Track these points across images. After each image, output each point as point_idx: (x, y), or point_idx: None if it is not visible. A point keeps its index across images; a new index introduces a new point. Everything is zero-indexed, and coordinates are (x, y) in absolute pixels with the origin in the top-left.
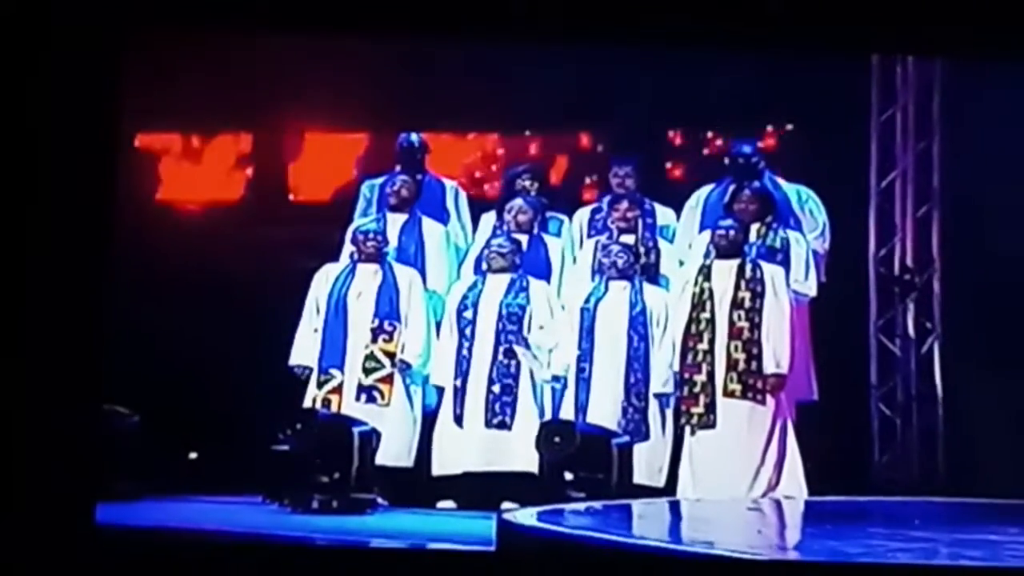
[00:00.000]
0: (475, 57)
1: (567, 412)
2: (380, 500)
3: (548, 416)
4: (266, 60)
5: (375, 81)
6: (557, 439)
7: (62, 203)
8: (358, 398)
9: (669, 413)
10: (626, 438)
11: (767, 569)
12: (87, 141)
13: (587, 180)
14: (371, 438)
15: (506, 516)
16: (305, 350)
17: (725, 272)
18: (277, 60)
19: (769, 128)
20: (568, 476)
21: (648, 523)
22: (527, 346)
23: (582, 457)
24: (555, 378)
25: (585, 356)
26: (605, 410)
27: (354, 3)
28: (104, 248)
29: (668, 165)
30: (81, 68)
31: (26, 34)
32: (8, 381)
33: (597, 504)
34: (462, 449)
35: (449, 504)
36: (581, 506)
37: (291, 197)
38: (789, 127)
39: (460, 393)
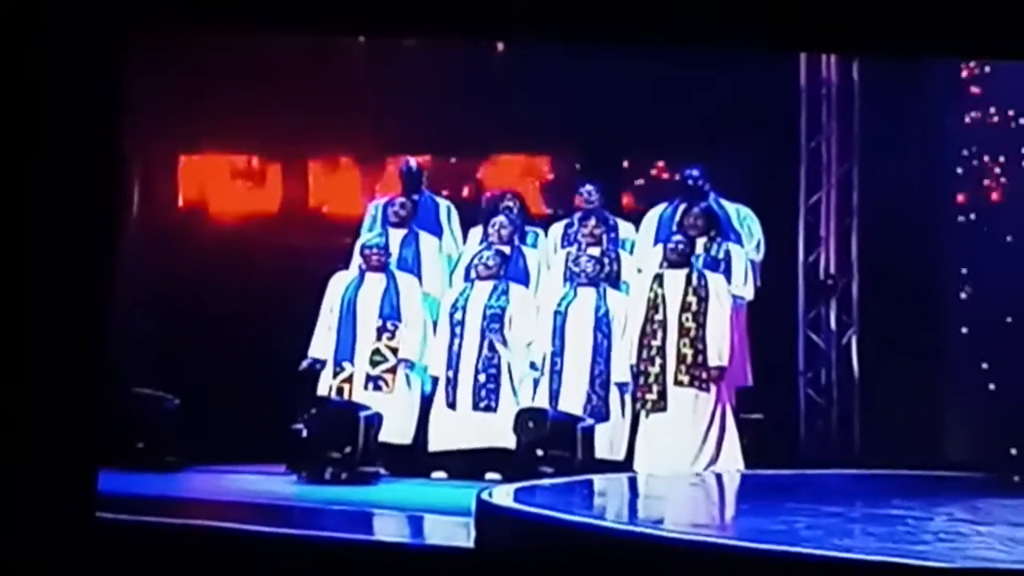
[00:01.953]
0: (463, 88)
1: (543, 398)
2: (383, 472)
3: (527, 401)
4: (266, 65)
5: (377, 110)
6: (531, 424)
7: (62, 203)
8: (366, 387)
9: (627, 399)
10: (590, 422)
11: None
12: (87, 141)
13: (560, 198)
14: (374, 421)
15: (484, 497)
16: (321, 345)
17: (676, 280)
18: (277, 66)
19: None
20: (540, 453)
21: (607, 500)
22: (504, 341)
23: (552, 438)
24: (532, 365)
25: (558, 352)
26: (574, 397)
27: (353, 4)
28: (108, 247)
29: (627, 186)
30: (81, 68)
31: (26, 34)
32: (15, 366)
33: (563, 482)
34: (454, 428)
35: (441, 475)
36: (548, 483)
37: (312, 213)
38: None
39: (452, 382)
